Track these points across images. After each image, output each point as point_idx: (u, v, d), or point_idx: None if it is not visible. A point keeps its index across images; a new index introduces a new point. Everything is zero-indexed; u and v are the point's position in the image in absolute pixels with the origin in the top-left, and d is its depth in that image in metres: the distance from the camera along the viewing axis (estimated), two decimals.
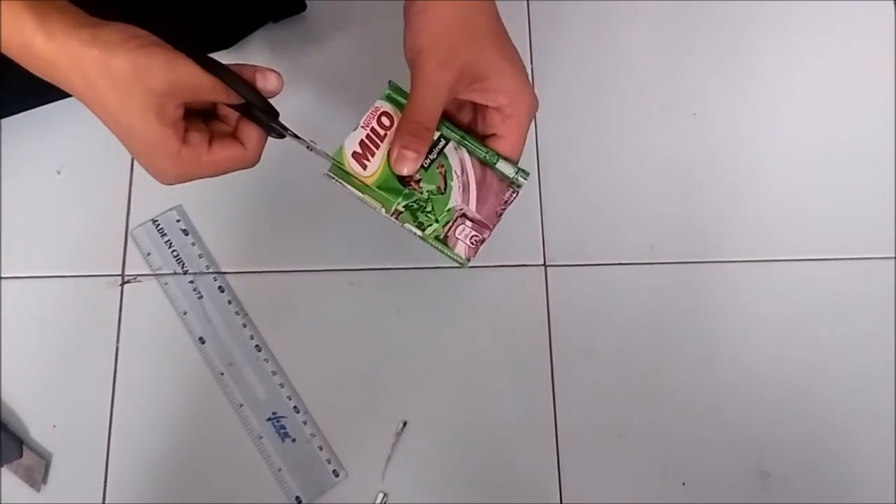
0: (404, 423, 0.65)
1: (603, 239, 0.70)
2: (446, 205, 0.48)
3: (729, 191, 0.72)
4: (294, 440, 0.63)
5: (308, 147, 0.48)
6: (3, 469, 0.61)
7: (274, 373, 0.65)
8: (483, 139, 0.50)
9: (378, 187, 0.47)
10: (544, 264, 0.69)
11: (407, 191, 0.47)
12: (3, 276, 0.66)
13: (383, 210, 0.47)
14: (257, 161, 0.47)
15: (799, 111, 0.75)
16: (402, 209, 0.47)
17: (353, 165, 0.47)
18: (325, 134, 0.70)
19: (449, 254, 0.48)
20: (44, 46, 0.39)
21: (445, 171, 0.48)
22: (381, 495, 0.63)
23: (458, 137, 0.49)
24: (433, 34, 0.47)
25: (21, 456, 0.61)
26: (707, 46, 0.76)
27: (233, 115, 0.47)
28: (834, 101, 0.75)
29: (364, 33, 0.74)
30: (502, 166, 0.49)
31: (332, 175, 0.48)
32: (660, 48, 0.76)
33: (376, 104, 0.48)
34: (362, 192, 0.47)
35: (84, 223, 0.68)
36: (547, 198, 0.71)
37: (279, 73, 0.46)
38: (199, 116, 0.46)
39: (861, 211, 0.72)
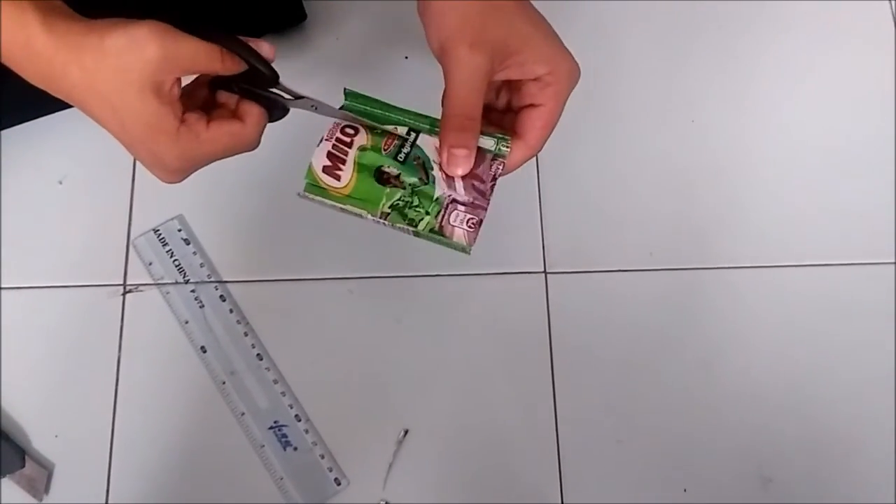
0: (405, 431, 0.65)
1: (603, 245, 0.70)
2: (433, 195, 0.45)
3: (729, 197, 0.72)
4: (296, 448, 0.63)
5: (313, 107, 0.47)
6: (6, 479, 0.61)
7: (275, 381, 0.65)
8: (518, 112, 0.47)
9: (357, 195, 0.46)
10: (544, 271, 0.69)
11: (389, 190, 0.46)
12: (4, 286, 0.66)
13: (370, 216, 0.45)
14: (257, 142, 0.46)
15: (799, 116, 0.75)
16: (389, 210, 0.45)
17: (326, 179, 0.46)
18: None
19: (448, 244, 0.45)
20: (46, 41, 0.39)
21: (423, 162, 0.46)
22: (382, 503, 0.63)
23: (427, 127, 0.47)
24: (457, 17, 0.44)
25: (23, 466, 0.61)
26: (706, 52, 0.76)
27: (231, 100, 0.46)
28: (834, 105, 0.75)
29: (364, 41, 0.74)
30: (481, 141, 0.46)
31: (307, 194, 0.46)
32: (658, 54, 0.76)
33: (336, 119, 0.47)
34: (343, 204, 0.46)
35: (86, 233, 0.68)
36: (547, 205, 0.71)
37: (270, 43, 0.45)
38: (197, 107, 0.46)
39: (862, 216, 0.72)
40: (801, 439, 0.66)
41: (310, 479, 0.63)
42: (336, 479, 0.63)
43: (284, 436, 0.64)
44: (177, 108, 0.42)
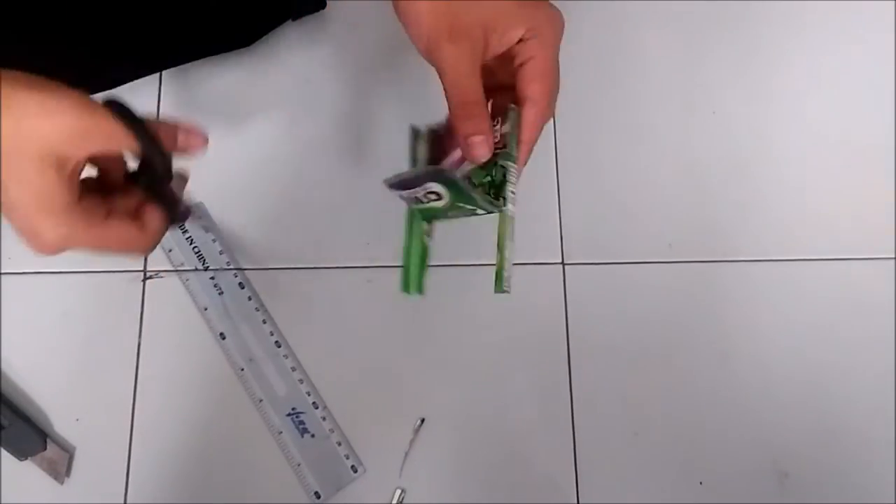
0: (422, 420, 0.65)
1: (621, 237, 0.70)
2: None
3: (748, 189, 0.72)
4: (313, 436, 0.64)
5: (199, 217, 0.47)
6: (28, 462, 0.62)
7: (293, 369, 0.65)
8: (516, 70, 0.48)
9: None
10: (562, 262, 0.69)
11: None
12: (26, 270, 0.67)
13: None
14: (152, 249, 0.44)
15: (821, 109, 0.74)
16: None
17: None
18: (345, 129, 0.71)
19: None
20: None
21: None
22: (398, 492, 0.63)
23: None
24: (431, 15, 0.45)
25: (45, 449, 0.62)
26: (726, 44, 0.76)
27: (136, 193, 0.43)
28: (855, 98, 0.74)
29: (383, 31, 0.74)
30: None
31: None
32: (679, 46, 0.76)
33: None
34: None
35: None
36: (565, 196, 0.71)
37: (205, 136, 0.43)
38: (99, 192, 0.42)
39: (882, 210, 0.71)
40: (819, 433, 0.66)
41: (327, 466, 0.63)
42: (353, 467, 0.63)
43: (302, 423, 0.64)
44: (74, 188, 0.39)
